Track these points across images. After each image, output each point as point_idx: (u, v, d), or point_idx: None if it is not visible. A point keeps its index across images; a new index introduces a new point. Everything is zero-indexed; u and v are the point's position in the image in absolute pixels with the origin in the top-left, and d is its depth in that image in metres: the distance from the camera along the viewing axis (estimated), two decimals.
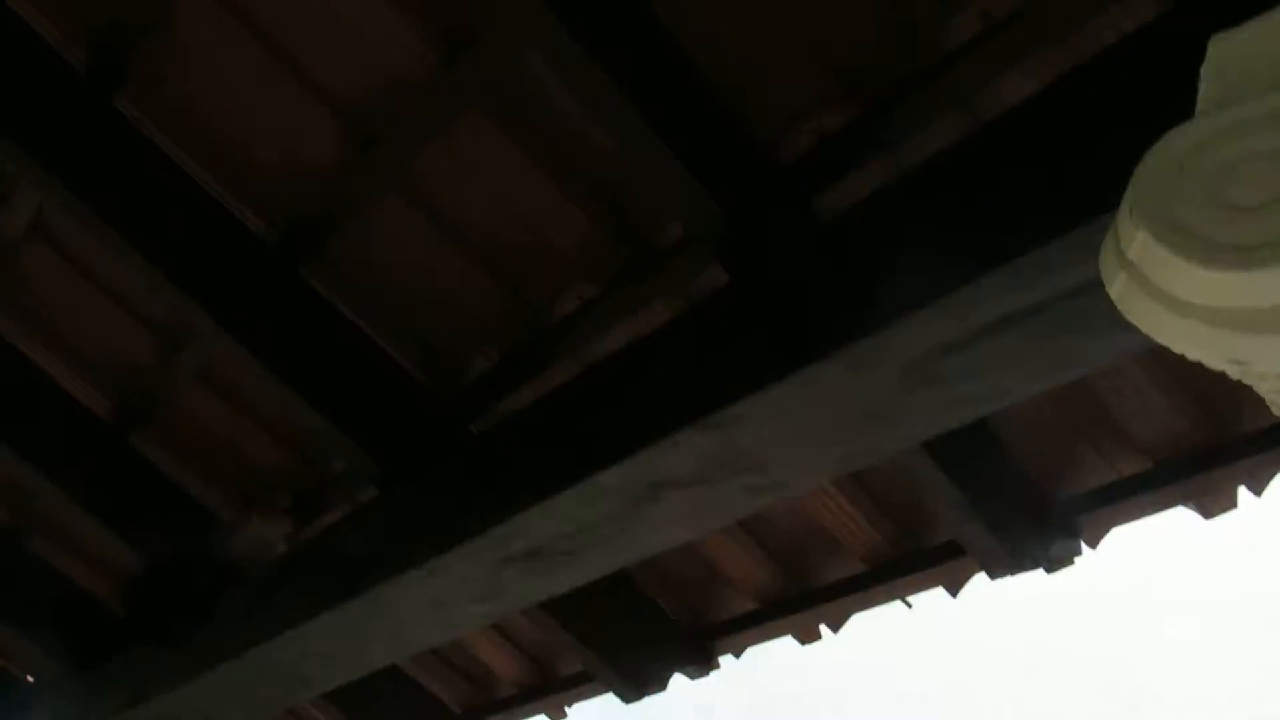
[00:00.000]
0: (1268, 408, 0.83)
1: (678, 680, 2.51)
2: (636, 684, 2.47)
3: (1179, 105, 0.82)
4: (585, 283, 2.10)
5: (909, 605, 2.24)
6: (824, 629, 2.35)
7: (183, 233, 2.16)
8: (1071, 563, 2.08)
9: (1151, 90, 1.04)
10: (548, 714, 2.97)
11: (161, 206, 2.16)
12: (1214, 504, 1.92)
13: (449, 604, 2.03)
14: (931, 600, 2.24)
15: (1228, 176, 0.74)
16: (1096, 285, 0.85)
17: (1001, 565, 2.06)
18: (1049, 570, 2.08)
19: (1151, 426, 1.90)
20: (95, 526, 2.89)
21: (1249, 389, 0.81)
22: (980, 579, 2.14)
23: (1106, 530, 2.07)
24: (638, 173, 1.79)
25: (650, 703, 2.57)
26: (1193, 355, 0.77)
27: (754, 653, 2.51)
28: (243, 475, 3.03)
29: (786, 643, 2.43)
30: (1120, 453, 1.98)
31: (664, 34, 1.57)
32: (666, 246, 1.90)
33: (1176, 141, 0.78)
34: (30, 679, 4.27)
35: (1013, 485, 1.99)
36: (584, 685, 2.75)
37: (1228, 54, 0.81)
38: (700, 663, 2.52)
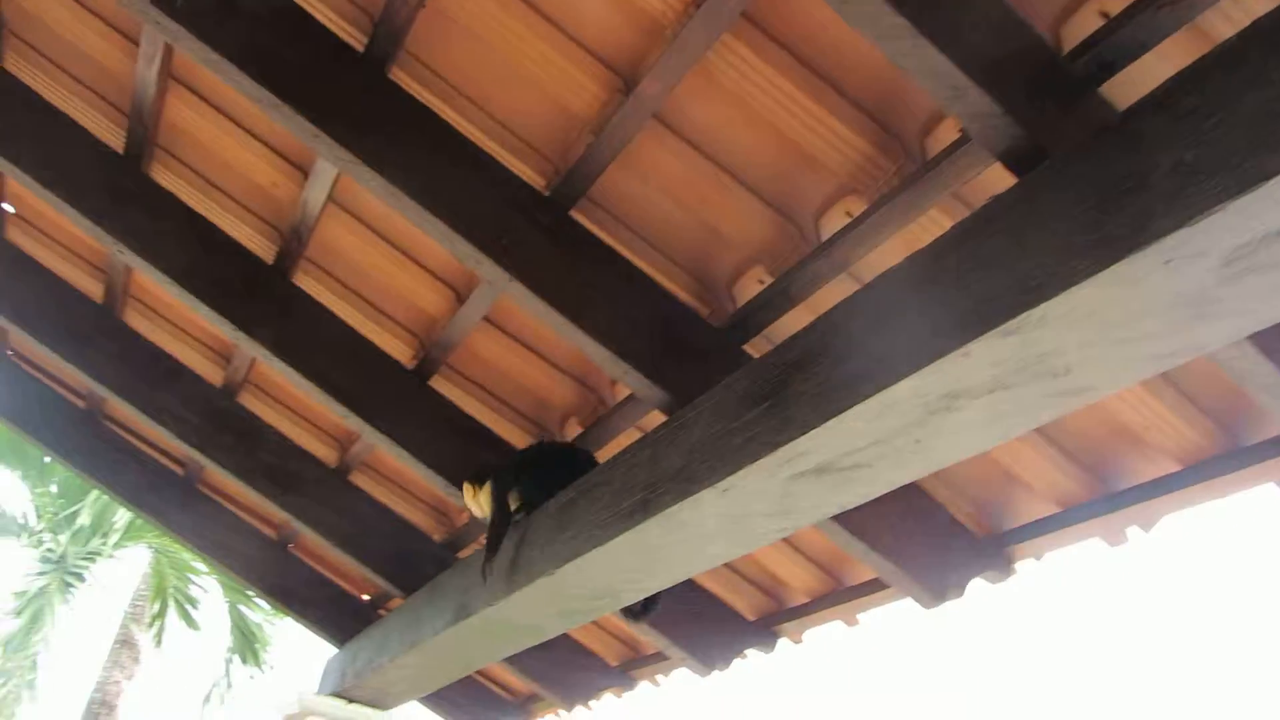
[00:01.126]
0: None
1: (977, 586, 2.48)
2: (934, 591, 2.46)
3: None
4: (855, 197, 2.07)
5: (1232, 504, 2.09)
6: (1133, 531, 2.24)
7: (465, 188, 2.30)
8: None
9: None
10: (842, 620, 3.02)
11: (443, 165, 2.31)
12: None
13: (742, 521, 2.09)
14: None
15: None
16: None
17: None
18: None
19: None
20: (411, 462, 3.16)
21: None
22: None
23: None
24: (907, 81, 1.73)
25: None
26: None
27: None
28: (535, 409, 3.23)
29: (1091, 546, 2.34)
30: None
31: None
32: (941, 152, 1.84)
33: None
34: (366, 598, 4.79)
35: None
36: (879, 593, 2.77)
37: None
38: (999, 568, 2.48)
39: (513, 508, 2.73)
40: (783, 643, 3.28)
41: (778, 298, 2.25)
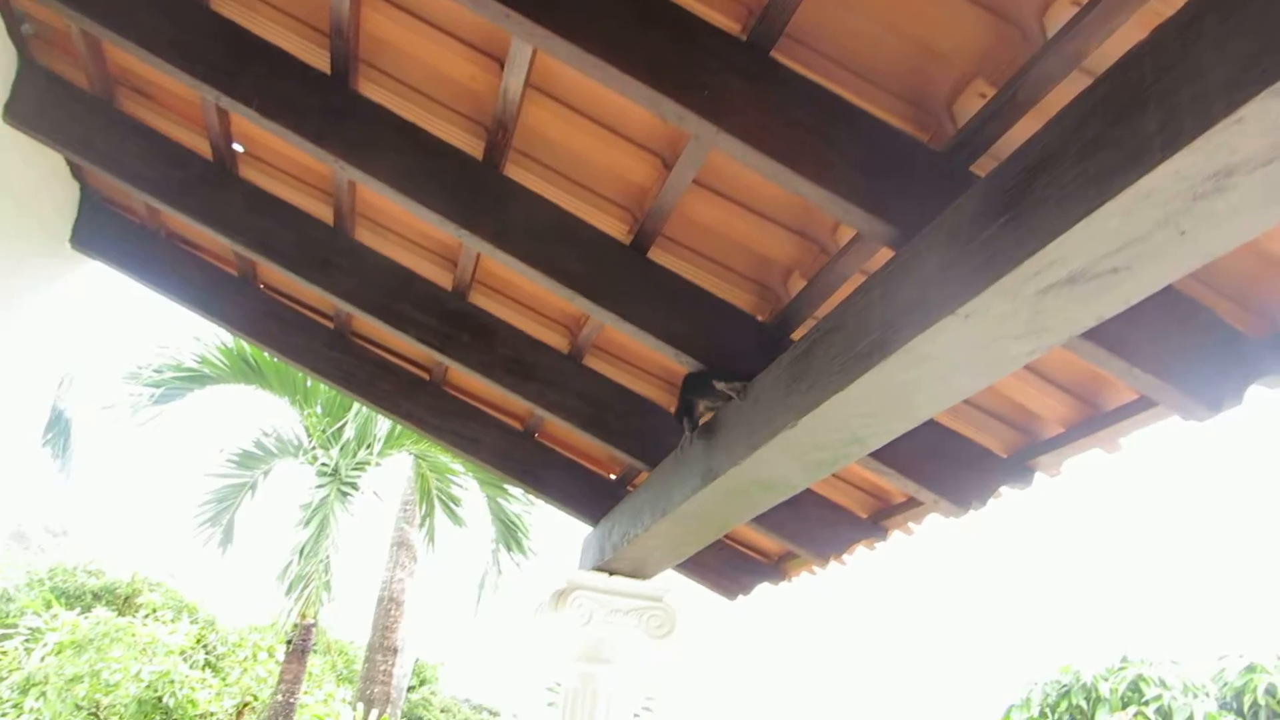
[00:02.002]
0: None
1: (1254, 394, 2.29)
2: (1208, 402, 2.29)
3: None
4: None
5: None
6: None
7: (659, 45, 2.26)
8: None
9: None
10: (1102, 448, 2.87)
11: (635, 26, 2.27)
12: None
13: (988, 347, 2.00)
14: None
15: None
16: None
17: None
18: None
19: None
20: (640, 336, 3.21)
21: None
22: None
23: None
24: None
25: None
26: None
27: None
28: (756, 268, 3.20)
29: None
30: None
31: None
32: None
33: None
34: (613, 476, 4.97)
35: None
36: (1144, 413, 2.61)
37: None
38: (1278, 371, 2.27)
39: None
40: (1038, 477, 3.16)
41: (1004, 108, 2.10)
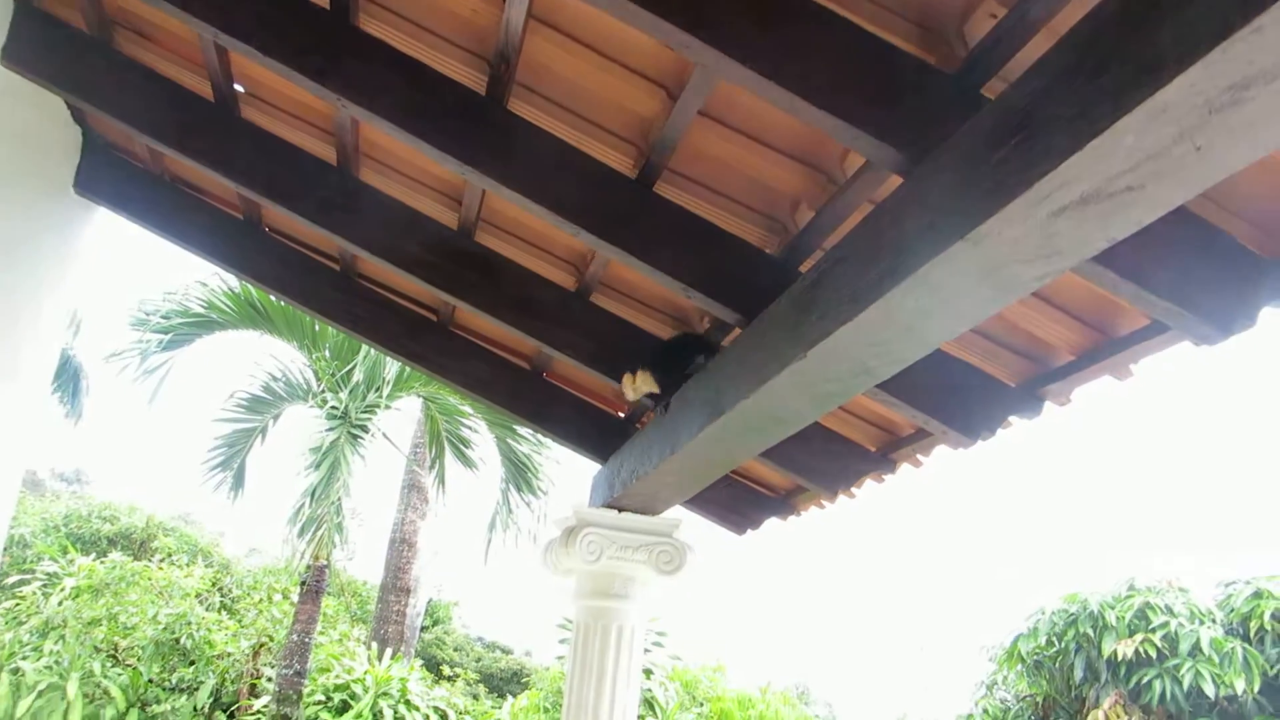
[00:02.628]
0: None
1: (1269, 315, 2.28)
2: (1220, 324, 2.27)
3: None
4: None
5: None
6: None
7: None
8: None
9: None
10: (1112, 375, 2.87)
11: None
12: None
13: (998, 272, 1.98)
14: None
15: None
16: None
17: None
18: None
19: None
20: (647, 271, 3.20)
21: None
22: None
23: None
24: None
25: None
26: None
27: None
28: (764, 201, 3.17)
29: None
30: None
31: None
32: None
33: None
34: (622, 415, 4.99)
35: None
36: (1154, 338, 2.60)
37: None
38: None
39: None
40: (1048, 406, 3.16)
41: (1016, 26, 2.07)
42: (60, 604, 12.40)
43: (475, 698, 15.83)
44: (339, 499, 9.76)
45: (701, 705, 15.20)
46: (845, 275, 2.34)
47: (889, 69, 2.24)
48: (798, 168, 2.97)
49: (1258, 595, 10.45)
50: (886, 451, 4.03)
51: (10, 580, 13.39)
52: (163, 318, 9.63)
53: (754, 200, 3.18)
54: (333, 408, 10.04)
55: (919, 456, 3.87)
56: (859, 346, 2.40)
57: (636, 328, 4.19)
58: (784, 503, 4.90)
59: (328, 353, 10.32)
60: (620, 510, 4.40)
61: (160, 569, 13.88)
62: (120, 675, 11.81)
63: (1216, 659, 9.69)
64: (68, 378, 15.88)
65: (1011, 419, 3.20)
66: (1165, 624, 9.96)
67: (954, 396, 3.20)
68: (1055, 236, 1.81)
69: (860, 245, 2.32)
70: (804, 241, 3.04)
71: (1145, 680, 9.87)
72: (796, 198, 3.07)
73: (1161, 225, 1.79)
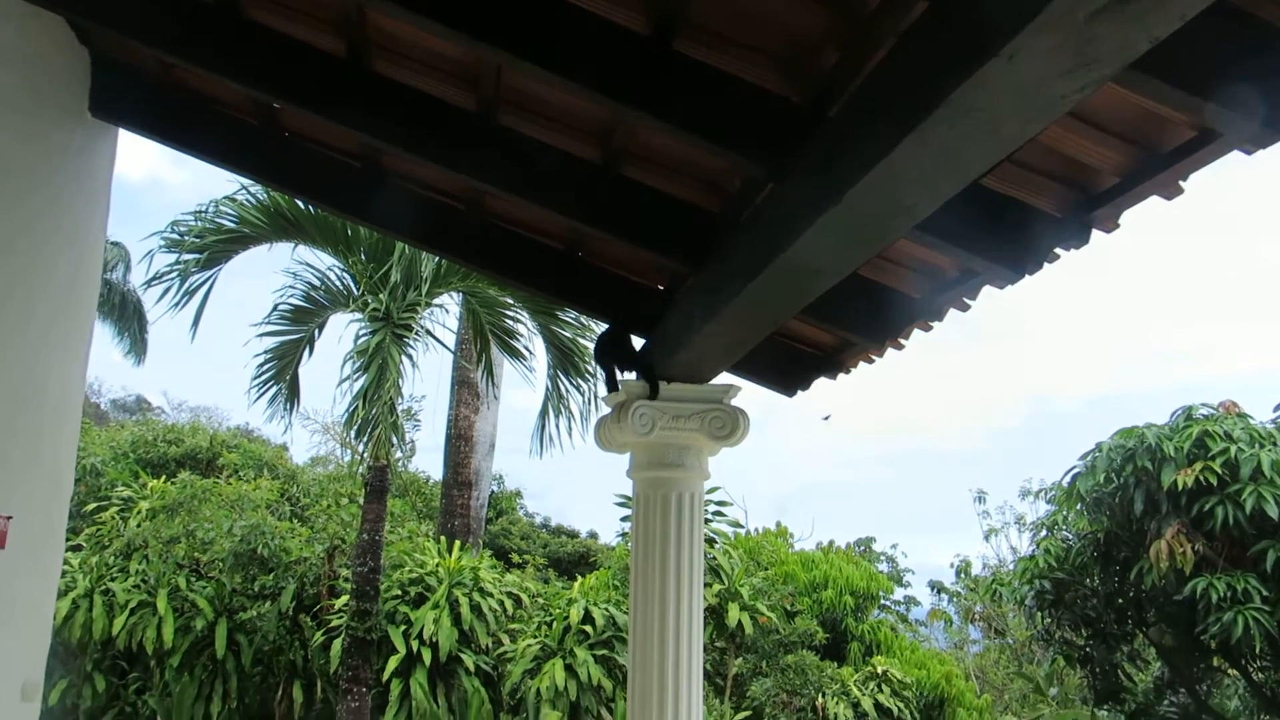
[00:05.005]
0: None
1: None
2: (1276, 126, 2.17)
3: None
4: None
5: None
6: None
7: None
8: None
9: None
10: (1161, 195, 2.77)
11: None
12: None
13: (1036, 88, 1.90)
14: None
15: None
16: None
17: None
18: None
19: None
20: (674, 132, 3.11)
21: None
22: None
23: None
24: None
25: None
26: None
27: None
28: (788, 47, 3.05)
29: None
30: None
31: None
32: None
33: None
34: (661, 287, 4.95)
35: None
36: (1203, 149, 2.49)
37: None
38: None
39: None
40: (1095, 234, 3.08)
41: None
42: (139, 526, 12.84)
43: (545, 581, 16.29)
44: (391, 399, 9.89)
45: (766, 569, 15.55)
46: (876, 111, 2.26)
47: None
48: (820, 9, 2.85)
49: None
50: (931, 297, 3.96)
51: (90, 508, 13.86)
52: (196, 237, 9.65)
53: (777, 47, 3.06)
54: (374, 310, 10.10)
55: (965, 300, 3.80)
56: (897, 184, 2.33)
57: (669, 196, 4.12)
58: (832, 360, 4.86)
59: (363, 256, 10.32)
60: (669, 381, 4.40)
61: (230, 484, 14.28)
62: (205, 588, 12.29)
63: (1279, 480, 9.64)
64: (129, 317, 16.13)
65: (1058, 250, 3.12)
66: (1225, 450, 9.88)
67: (997, 232, 3.12)
68: (1094, 42, 1.73)
69: (890, 79, 2.24)
70: (831, 85, 2.93)
71: (1207, 508, 9.84)
72: (820, 40, 2.94)
73: (1201, 22, 1.70)
